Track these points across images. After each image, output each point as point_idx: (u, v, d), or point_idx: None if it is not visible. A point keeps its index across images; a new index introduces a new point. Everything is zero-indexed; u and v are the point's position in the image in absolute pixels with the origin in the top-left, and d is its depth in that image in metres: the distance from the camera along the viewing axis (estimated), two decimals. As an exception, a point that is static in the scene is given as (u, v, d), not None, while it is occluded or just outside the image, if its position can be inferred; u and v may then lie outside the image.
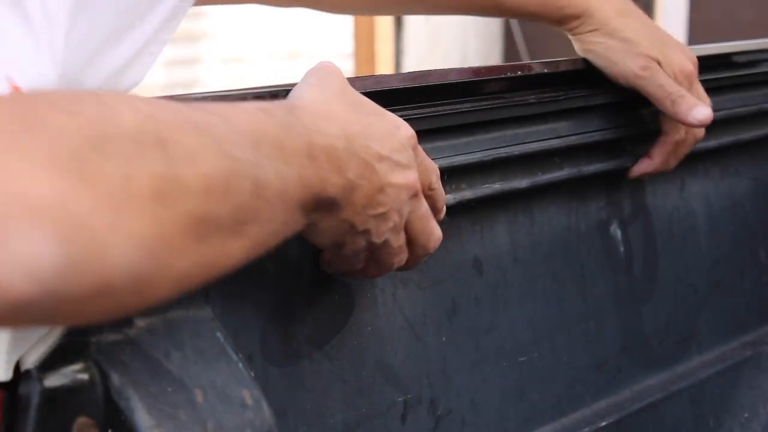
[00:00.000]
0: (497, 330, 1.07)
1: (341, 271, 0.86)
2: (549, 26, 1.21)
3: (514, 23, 5.41)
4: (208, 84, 4.72)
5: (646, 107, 1.20)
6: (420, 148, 0.84)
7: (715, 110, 1.19)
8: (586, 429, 1.14)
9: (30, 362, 0.68)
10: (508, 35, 5.58)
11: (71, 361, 0.69)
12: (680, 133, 1.21)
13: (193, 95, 0.80)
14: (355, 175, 0.77)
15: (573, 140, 1.13)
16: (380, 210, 0.80)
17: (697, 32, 5.17)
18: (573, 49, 1.21)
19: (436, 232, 0.86)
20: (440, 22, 5.29)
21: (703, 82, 1.21)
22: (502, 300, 1.08)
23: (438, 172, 0.87)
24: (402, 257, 0.85)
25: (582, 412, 1.16)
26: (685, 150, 1.22)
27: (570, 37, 1.20)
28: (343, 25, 5.11)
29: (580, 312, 1.17)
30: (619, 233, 1.22)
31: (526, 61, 1.06)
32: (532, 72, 1.09)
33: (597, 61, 1.18)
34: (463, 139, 1.02)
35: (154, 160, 0.59)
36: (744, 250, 1.41)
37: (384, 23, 5.18)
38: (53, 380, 0.68)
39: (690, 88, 1.18)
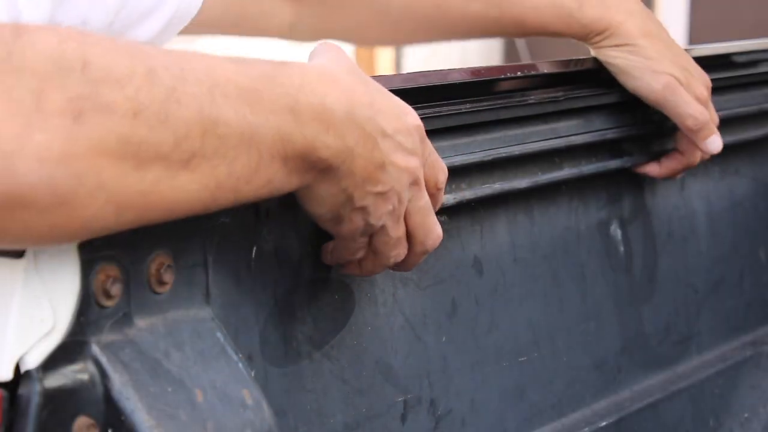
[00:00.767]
0: (497, 330, 1.07)
1: (341, 259, 0.86)
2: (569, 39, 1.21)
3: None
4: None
5: (647, 107, 1.20)
6: (430, 144, 0.84)
7: (715, 110, 1.20)
8: (586, 429, 1.14)
9: (30, 362, 0.68)
10: (508, 35, 5.57)
11: (71, 361, 0.69)
12: (695, 156, 1.23)
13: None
14: (355, 143, 0.77)
15: (573, 140, 1.13)
16: (380, 188, 0.80)
17: (697, 32, 5.17)
18: (573, 49, 1.21)
19: (437, 230, 0.86)
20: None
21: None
22: (502, 300, 1.08)
23: (446, 173, 0.86)
24: (400, 251, 0.85)
25: (582, 412, 1.16)
26: (692, 166, 1.24)
27: (591, 49, 1.20)
28: (343, 25, 5.10)
29: (580, 312, 1.17)
30: (619, 233, 1.22)
31: (526, 61, 1.06)
32: (532, 72, 1.09)
33: (618, 73, 1.18)
34: (464, 139, 1.02)
35: (72, 79, 0.62)
36: (744, 250, 1.41)
37: (384, 24, 5.17)
38: (53, 380, 0.68)
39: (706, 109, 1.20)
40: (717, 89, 1.28)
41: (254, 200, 0.74)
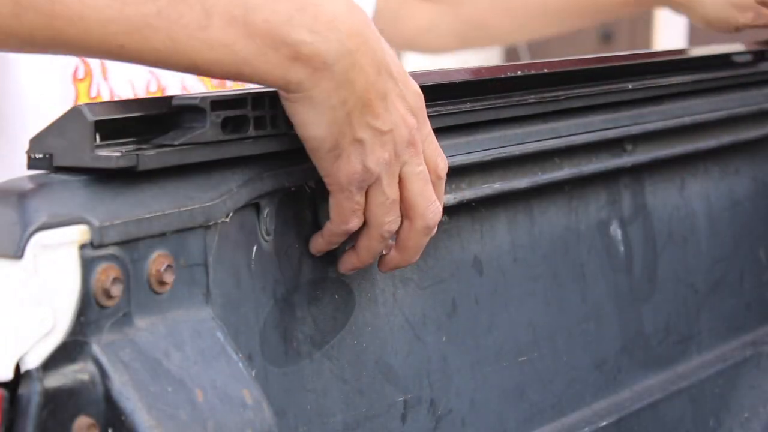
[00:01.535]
0: (497, 330, 1.07)
1: (334, 236, 0.84)
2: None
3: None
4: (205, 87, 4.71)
5: (647, 107, 1.20)
6: (429, 125, 0.82)
7: (715, 110, 1.20)
8: (586, 429, 1.14)
9: (30, 362, 0.68)
10: (508, 35, 5.58)
11: (71, 361, 0.69)
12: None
13: (192, 95, 0.80)
14: (356, 49, 0.74)
15: (573, 140, 1.13)
16: (379, 124, 0.77)
17: (697, 32, 5.17)
18: (573, 49, 1.21)
19: (436, 202, 0.83)
20: (440, 22, 5.29)
21: (703, 81, 1.21)
22: (502, 300, 1.08)
23: (446, 162, 0.85)
24: (394, 219, 0.82)
25: (582, 412, 1.16)
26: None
27: None
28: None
29: (580, 312, 1.17)
30: (619, 233, 1.22)
31: (526, 61, 1.06)
32: (532, 72, 1.09)
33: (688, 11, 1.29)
34: (463, 139, 1.02)
35: None
36: (744, 250, 1.41)
37: (384, 23, 5.17)
38: (53, 380, 0.68)
39: None
40: (717, 89, 1.29)
41: (222, 74, 0.72)
